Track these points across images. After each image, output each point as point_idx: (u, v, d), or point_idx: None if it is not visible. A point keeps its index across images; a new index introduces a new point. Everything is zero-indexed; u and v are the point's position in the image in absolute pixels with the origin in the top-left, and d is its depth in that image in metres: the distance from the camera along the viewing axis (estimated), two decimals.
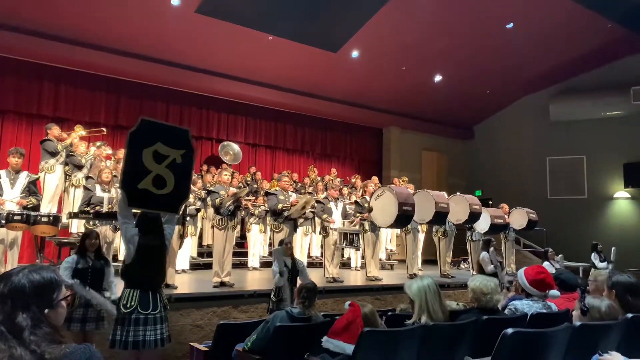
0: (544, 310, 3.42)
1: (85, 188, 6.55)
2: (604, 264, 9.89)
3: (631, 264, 10.22)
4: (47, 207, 7.31)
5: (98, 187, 6.44)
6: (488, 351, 2.30)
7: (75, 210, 6.88)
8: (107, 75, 10.32)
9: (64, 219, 7.24)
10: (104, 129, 8.89)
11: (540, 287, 3.52)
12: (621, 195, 13.54)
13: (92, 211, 6.08)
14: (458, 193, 9.43)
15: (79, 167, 7.82)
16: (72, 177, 7.82)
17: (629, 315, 2.78)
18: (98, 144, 8.46)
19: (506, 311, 3.50)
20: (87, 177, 7.19)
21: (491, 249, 7.75)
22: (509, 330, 2.23)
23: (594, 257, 10.13)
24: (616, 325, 2.68)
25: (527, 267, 3.71)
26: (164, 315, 3.45)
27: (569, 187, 14.26)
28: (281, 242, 5.70)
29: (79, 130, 8.31)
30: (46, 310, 1.45)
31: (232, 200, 6.68)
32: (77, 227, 7.32)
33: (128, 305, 3.32)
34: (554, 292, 3.58)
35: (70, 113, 9.97)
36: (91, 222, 6.19)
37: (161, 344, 3.39)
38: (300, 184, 11.29)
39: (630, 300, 2.98)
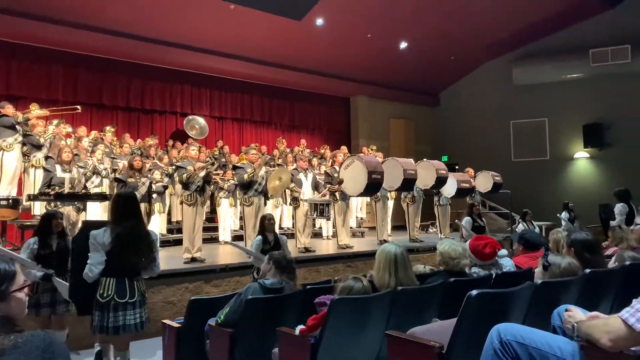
0: (500, 271, 3.54)
1: (45, 169, 6.34)
2: (570, 224, 9.99)
3: (590, 221, 10.64)
4: (7, 189, 7.05)
5: (58, 167, 6.24)
6: (455, 312, 2.37)
7: (36, 192, 6.67)
8: (63, 49, 9.88)
9: (24, 202, 7.02)
10: (78, 107, 8.55)
11: (487, 257, 3.62)
12: (581, 155, 13.99)
13: (52, 192, 5.90)
14: (425, 159, 9.56)
15: (38, 147, 7.51)
16: (31, 158, 7.53)
17: (587, 270, 2.91)
18: (56, 122, 8.16)
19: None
20: (47, 157, 6.95)
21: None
22: (474, 292, 2.30)
23: (564, 216, 10.40)
24: (575, 281, 2.80)
25: (472, 239, 3.78)
26: (141, 301, 3.45)
27: (532, 149, 14.62)
28: (262, 219, 5.65)
29: (35, 109, 7.94)
30: None
31: (202, 176, 6.58)
32: (40, 209, 7.11)
33: (105, 295, 3.29)
34: (502, 251, 3.71)
35: (25, 90, 9.53)
36: (52, 204, 6.01)
37: (142, 327, 3.42)
38: (269, 156, 11.23)
39: (587, 256, 3.11)
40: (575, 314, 2.03)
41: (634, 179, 11.41)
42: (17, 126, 7.24)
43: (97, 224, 3.64)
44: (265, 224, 5.56)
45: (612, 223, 7.71)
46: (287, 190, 8.48)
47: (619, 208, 7.99)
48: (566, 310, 2.10)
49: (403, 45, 12.89)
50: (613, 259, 3.69)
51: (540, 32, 13.82)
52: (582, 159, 14.02)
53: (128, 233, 3.34)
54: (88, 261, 3.27)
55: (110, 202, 3.55)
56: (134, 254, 3.39)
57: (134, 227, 3.39)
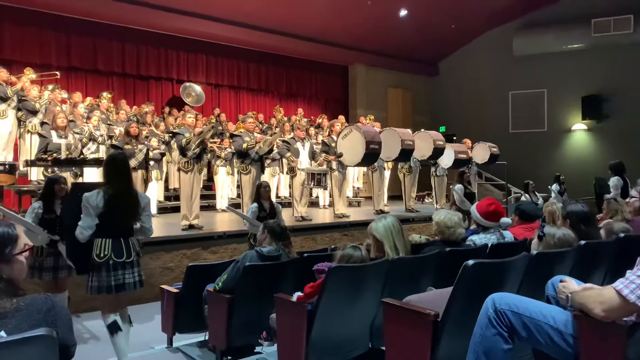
0: (501, 241, 3.58)
1: (41, 135, 6.29)
2: (559, 197, 10.07)
3: (586, 193, 10.70)
4: (2, 154, 7.02)
5: (54, 133, 6.20)
6: (450, 281, 2.40)
7: (33, 157, 6.64)
8: (55, 12, 9.64)
9: (21, 167, 6.99)
10: (57, 73, 8.43)
11: (492, 217, 3.65)
12: (579, 127, 13.97)
13: (50, 158, 5.87)
14: (422, 129, 9.52)
15: (34, 113, 7.45)
16: (27, 123, 7.46)
17: (582, 242, 2.94)
18: (51, 87, 8.06)
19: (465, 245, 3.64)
20: (42, 123, 6.89)
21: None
22: (470, 262, 2.32)
23: (554, 188, 10.46)
24: (570, 252, 2.83)
25: (479, 202, 3.83)
26: (137, 260, 3.46)
27: (529, 120, 14.57)
28: (258, 186, 5.66)
29: (29, 74, 7.84)
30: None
31: (197, 142, 6.54)
32: (37, 174, 7.09)
33: (102, 255, 3.30)
34: (505, 219, 3.74)
35: (18, 54, 9.36)
36: (50, 170, 5.99)
37: (140, 285, 3.43)
38: (266, 125, 11.16)
39: (583, 228, 3.14)
40: (570, 284, 2.07)
41: (631, 151, 11.46)
42: (9, 92, 7.15)
43: (86, 186, 3.65)
44: (261, 192, 5.58)
45: (607, 196, 7.75)
46: (284, 159, 8.47)
47: (614, 181, 8.01)
48: (561, 281, 2.13)
49: (403, 12, 12.66)
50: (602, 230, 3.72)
51: (542, 1, 13.58)
52: (579, 131, 14.00)
53: (121, 194, 3.35)
54: (79, 223, 3.27)
55: (102, 164, 3.53)
56: (128, 214, 3.40)
57: (126, 188, 3.40)
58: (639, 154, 11.60)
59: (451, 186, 8.56)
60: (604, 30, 12.67)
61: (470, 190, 8.14)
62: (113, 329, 3.34)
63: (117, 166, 3.43)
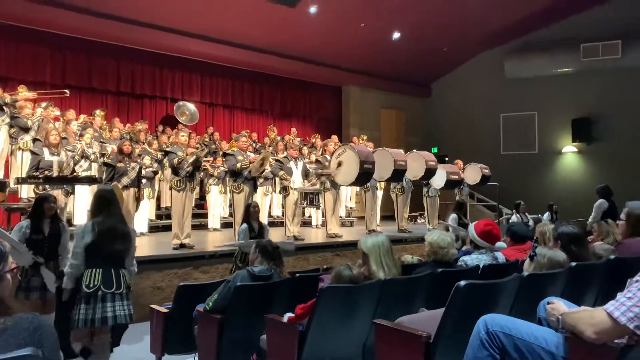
0: (493, 262, 3.59)
1: (33, 152, 6.26)
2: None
3: (577, 214, 10.76)
4: None
5: (46, 150, 6.16)
6: (442, 302, 2.39)
7: (24, 175, 6.59)
8: (51, 31, 9.69)
9: (12, 184, 6.94)
10: (66, 91, 8.47)
11: (488, 238, 3.66)
12: (569, 149, 14.11)
13: (41, 175, 5.83)
14: (415, 150, 9.58)
15: (26, 130, 7.43)
16: (18, 140, 7.43)
17: (573, 263, 2.95)
18: (44, 104, 8.05)
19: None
20: (34, 140, 6.86)
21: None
22: (462, 282, 2.32)
23: (547, 217, 10.49)
24: (561, 274, 2.84)
25: (477, 221, 3.85)
26: (127, 293, 3.45)
27: (521, 142, 14.71)
28: (247, 207, 5.65)
29: (23, 91, 7.83)
30: None
31: (192, 161, 6.54)
32: (27, 192, 7.04)
33: (91, 285, 3.27)
34: (501, 243, 3.76)
35: (12, 72, 9.38)
36: (41, 187, 5.95)
37: (129, 319, 3.42)
38: (260, 144, 11.18)
39: (574, 249, 3.15)
40: (558, 306, 2.07)
41: (621, 174, 11.58)
42: (4, 107, 7.14)
43: None
44: (251, 212, 5.57)
45: (589, 220, 7.80)
46: (276, 178, 8.47)
47: (597, 204, 8.08)
48: (549, 303, 2.13)
49: (396, 35, 12.85)
50: None
51: (533, 26, 13.84)
52: (570, 153, 14.15)
53: (112, 226, 3.41)
54: (70, 262, 3.31)
55: (92, 198, 3.62)
56: (119, 245, 3.43)
57: (116, 221, 3.48)
58: (628, 176, 11.73)
59: (440, 222, 8.51)
60: (593, 55, 12.91)
61: (464, 222, 7.97)
62: (85, 354, 3.31)
63: (105, 202, 3.51)
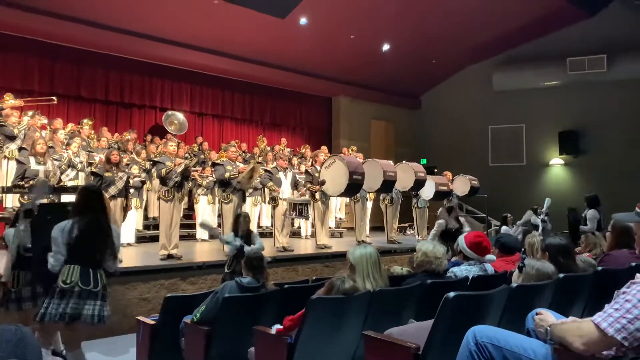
0: (481, 273, 3.60)
1: (19, 161, 6.18)
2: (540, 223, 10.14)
3: (564, 226, 10.85)
4: None
5: (32, 159, 6.10)
6: (431, 314, 2.39)
7: (9, 184, 6.51)
8: (40, 39, 9.63)
9: None
10: (54, 98, 8.40)
11: (477, 250, 3.68)
12: (556, 162, 14.27)
13: (27, 185, 5.76)
14: (404, 161, 9.62)
15: (11, 138, 7.34)
16: (4, 149, 7.34)
17: (561, 275, 2.96)
18: (31, 113, 7.98)
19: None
20: (21, 149, 6.78)
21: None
22: (451, 294, 2.33)
23: (534, 220, 10.54)
24: (549, 285, 2.85)
25: (467, 233, 3.87)
26: (103, 294, 3.37)
27: (509, 154, 14.85)
28: (237, 216, 5.60)
29: (10, 99, 7.76)
30: None
31: (180, 171, 6.50)
32: (12, 201, 6.94)
33: (68, 281, 3.22)
34: (490, 256, 3.78)
35: (0, 80, 9.28)
36: (26, 197, 5.87)
37: (100, 320, 3.30)
38: (249, 154, 11.16)
39: (561, 260, 3.18)
40: (546, 317, 2.07)
41: (607, 186, 11.70)
42: None
43: (54, 207, 3.62)
44: (240, 222, 5.51)
45: (584, 229, 7.87)
46: (265, 189, 8.44)
47: (590, 214, 8.15)
48: (537, 314, 2.13)
49: (386, 47, 12.96)
50: None
51: (521, 39, 14.04)
52: (557, 166, 14.30)
53: (94, 224, 3.37)
54: (51, 256, 3.25)
55: (76, 194, 3.56)
56: (99, 245, 3.39)
57: (98, 219, 3.42)
58: (614, 188, 11.85)
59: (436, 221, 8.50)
60: (579, 68, 13.12)
61: (451, 229, 7.80)
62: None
63: (90, 197, 3.46)
